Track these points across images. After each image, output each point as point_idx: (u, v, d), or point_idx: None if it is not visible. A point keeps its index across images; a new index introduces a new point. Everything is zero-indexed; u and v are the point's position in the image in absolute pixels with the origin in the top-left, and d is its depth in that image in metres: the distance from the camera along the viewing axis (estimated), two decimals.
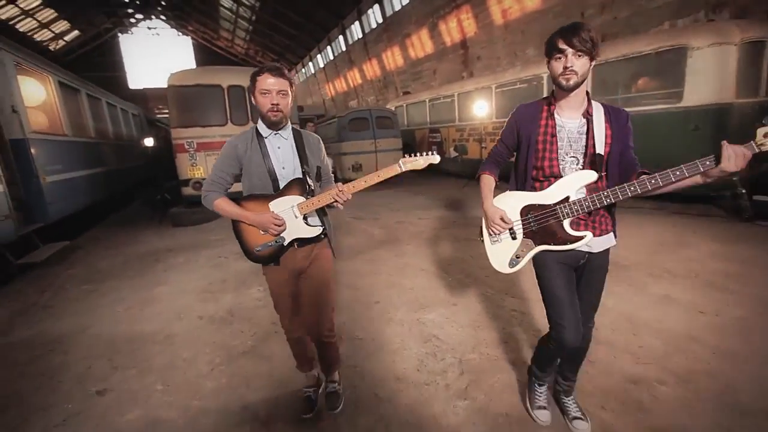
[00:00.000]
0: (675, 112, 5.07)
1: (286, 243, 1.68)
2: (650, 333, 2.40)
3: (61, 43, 26.16)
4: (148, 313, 3.17)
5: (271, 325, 2.79)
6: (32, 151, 4.61)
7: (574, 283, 1.57)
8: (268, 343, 2.60)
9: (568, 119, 1.48)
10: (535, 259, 1.59)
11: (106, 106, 8.28)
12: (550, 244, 1.51)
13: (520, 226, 1.57)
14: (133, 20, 30.50)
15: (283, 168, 1.69)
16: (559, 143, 1.47)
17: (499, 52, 11.58)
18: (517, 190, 1.61)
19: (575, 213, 1.44)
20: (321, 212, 1.78)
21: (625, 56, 5.58)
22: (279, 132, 1.69)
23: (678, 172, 1.25)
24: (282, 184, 1.67)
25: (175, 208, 6.74)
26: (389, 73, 17.95)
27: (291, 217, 1.66)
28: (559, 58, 1.35)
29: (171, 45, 32.01)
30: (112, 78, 27.86)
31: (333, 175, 2.01)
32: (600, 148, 1.43)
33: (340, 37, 20.52)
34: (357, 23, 18.34)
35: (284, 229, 1.65)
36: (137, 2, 28.19)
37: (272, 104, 1.57)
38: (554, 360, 1.73)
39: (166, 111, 6.91)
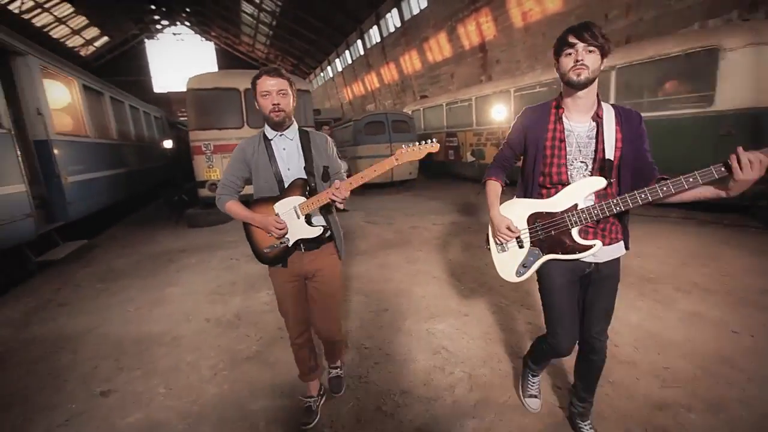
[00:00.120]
0: (704, 117, 4.81)
1: (290, 244, 1.68)
2: (677, 353, 2.22)
3: (91, 48, 27.31)
4: (157, 314, 3.18)
5: (277, 331, 2.74)
6: (55, 151, 4.74)
7: (576, 293, 1.52)
8: (272, 348, 2.55)
9: (576, 123, 1.40)
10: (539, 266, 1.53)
11: (129, 108, 8.52)
12: (558, 253, 1.44)
13: (527, 234, 1.50)
14: (159, 26, 31.69)
15: (289, 169, 1.69)
16: (567, 148, 1.40)
17: (518, 55, 11.36)
18: (525, 196, 1.55)
19: (584, 221, 1.38)
20: (326, 212, 1.76)
21: (651, 58, 5.33)
22: (284, 133, 1.69)
23: (691, 179, 1.18)
24: (287, 185, 1.68)
25: (191, 209, 6.85)
26: (407, 77, 17.93)
27: (294, 218, 1.66)
28: (570, 53, 1.30)
29: (195, 50, 32.92)
30: (137, 82, 28.86)
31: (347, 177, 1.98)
32: (610, 153, 1.36)
33: (359, 41, 20.64)
34: (375, 27, 18.42)
35: (286, 231, 1.65)
36: (163, 9, 29.21)
37: (273, 104, 1.57)
38: (548, 359, 1.74)
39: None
